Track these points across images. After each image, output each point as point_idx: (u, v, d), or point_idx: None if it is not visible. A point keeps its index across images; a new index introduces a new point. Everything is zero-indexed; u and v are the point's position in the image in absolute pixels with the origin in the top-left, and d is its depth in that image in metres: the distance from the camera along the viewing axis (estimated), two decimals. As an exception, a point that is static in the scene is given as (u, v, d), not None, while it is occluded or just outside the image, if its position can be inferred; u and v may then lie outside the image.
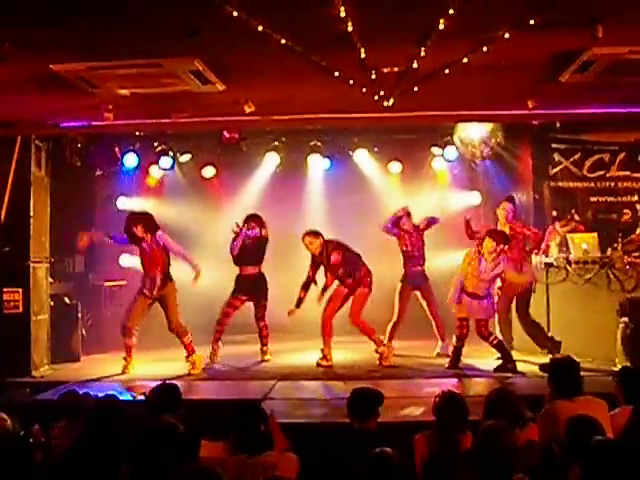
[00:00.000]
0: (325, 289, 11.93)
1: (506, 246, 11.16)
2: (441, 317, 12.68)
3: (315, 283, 11.98)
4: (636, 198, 13.52)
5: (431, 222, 12.78)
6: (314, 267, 12.03)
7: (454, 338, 11.35)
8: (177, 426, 5.12)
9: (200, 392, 10.06)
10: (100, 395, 7.15)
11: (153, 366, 11.84)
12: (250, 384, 10.63)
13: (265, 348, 12.57)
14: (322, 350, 11.76)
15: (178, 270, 11.94)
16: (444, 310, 12.16)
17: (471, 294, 11.17)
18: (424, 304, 12.73)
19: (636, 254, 11.52)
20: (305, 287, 12.00)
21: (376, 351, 11.77)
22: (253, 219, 12.48)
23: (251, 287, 12.45)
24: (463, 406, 6.17)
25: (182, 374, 11.14)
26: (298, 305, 11.96)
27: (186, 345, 11.55)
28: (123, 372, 11.36)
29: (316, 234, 12.00)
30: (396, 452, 4.87)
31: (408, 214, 12.62)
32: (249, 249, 12.43)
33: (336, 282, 11.91)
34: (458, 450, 5.75)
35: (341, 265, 11.82)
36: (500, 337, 11.52)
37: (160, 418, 5.46)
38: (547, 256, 12.25)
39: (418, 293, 12.76)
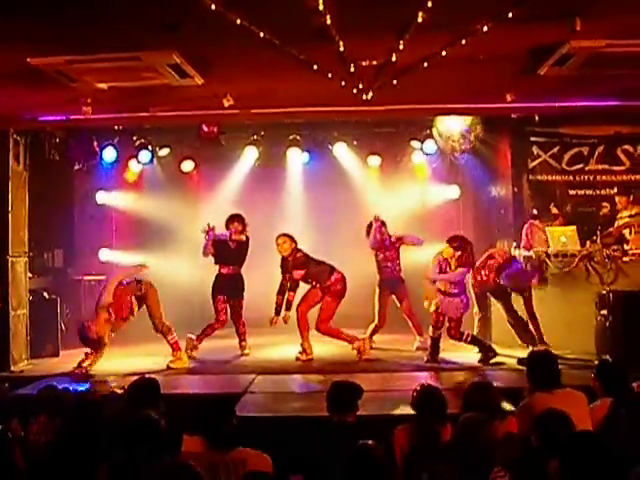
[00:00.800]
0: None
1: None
2: (416, 315, 12.75)
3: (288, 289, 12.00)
4: (615, 191, 13.56)
5: (410, 241, 12.83)
6: (284, 272, 12.05)
7: (430, 328, 11.37)
8: (157, 421, 5.12)
9: (180, 386, 10.03)
10: (79, 390, 7.16)
11: (132, 360, 11.80)
12: (230, 378, 10.61)
13: (244, 343, 12.60)
14: (301, 344, 11.78)
15: (155, 266, 11.91)
16: (420, 306, 12.18)
17: (443, 292, 11.24)
18: (398, 304, 12.78)
19: (615, 247, 11.57)
20: (280, 293, 12.01)
21: (352, 348, 11.79)
22: (237, 219, 12.50)
23: (227, 286, 12.45)
24: (441, 399, 6.18)
25: (162, 369, 11.13)
26: (277, 312, 11.96)
27: (171, 344, 11.51)
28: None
29: (291, 238, 12.06)
30: (378, 445, 4.88)
31: (382, 224, 12.62)
32: (231, 249, 12.45)
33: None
34: (438, 443, 5.76)
35: (303, 279, 11.95)
36: (473, 331, 11.60)
37: (140, 412, 5.45)
38: (528, 251, 12.29)
39: (394, 297, 12.84)
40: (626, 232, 12.28)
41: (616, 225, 12.55)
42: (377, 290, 12.76)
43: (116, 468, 4.83)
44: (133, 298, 11.35)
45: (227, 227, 12.52)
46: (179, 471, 3.95)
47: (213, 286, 12.52)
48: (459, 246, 11.19)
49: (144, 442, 4.90)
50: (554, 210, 13.95)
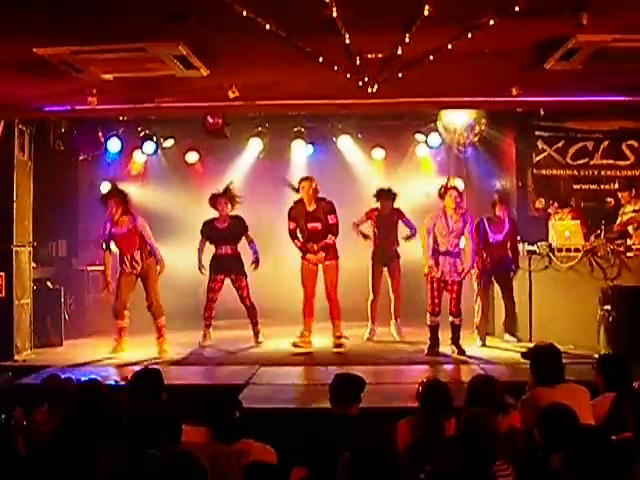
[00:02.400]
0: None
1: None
2: (401, 297, 12.78)
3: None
4: (617, 187, 13.56)
5: (408, 226, 12.88)
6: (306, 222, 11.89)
7: (427, 316, 11.42)
8: (159, 411, 5.13)
9: (182, 377, 10.02)
10: (82, 379, 7.16)
11: (135, 351, 11.81)
12: (233, 369, 10.59)
13: (257, 328, 12.55)
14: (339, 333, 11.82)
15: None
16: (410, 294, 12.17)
17: (445, 252, 11.26)
18: (389, 280, 12.78)
19: (619, 242, 11.56)
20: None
21: (335, 335, 11.83)
22: (222, 197, 12.48)
23: (225, 264, 12.37)
24: (447, 393, 6.19)
25: (165, 359, 11.16)
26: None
27: (158, 327, 11.58)
28: (114, 352, 11.36)
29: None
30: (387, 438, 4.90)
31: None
32: (219, 229, 12.42)
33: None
34: (441, 436, 5.77)
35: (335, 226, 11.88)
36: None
37: (143, 403, 5.47)
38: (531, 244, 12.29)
39: (385, 269, 12.83)
40: (630, 228, 12.27)
41: (619, 220, 12.53)
42: (370, 263, 12.81)
43: (117, 457, 4.84)
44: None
45: (214, 208, 12.50)
46: (180, 460, 3.96)
47: (210, 267, 12.47)
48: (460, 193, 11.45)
49: (146, 431, 4.91)
50: (555, 204, 13.96)
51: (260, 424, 5.81)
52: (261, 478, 4.60)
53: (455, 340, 11.36)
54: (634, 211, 12.43)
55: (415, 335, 12.50)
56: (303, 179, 11.92)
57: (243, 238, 12.42)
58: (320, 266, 11.84)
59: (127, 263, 11.55)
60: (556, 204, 13.30)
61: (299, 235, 11.84)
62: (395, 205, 12.86)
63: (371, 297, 12.70)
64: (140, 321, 11.88)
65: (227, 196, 12.39)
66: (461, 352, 11.24)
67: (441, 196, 11.47)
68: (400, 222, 12.90)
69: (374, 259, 12.82)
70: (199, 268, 12.39)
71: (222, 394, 6.14)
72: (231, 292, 12.43)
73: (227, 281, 12.42)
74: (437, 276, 11.26)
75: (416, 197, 15.70)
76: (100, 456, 4.96)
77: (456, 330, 11.38)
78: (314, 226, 11.76)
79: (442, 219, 11.28)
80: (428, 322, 11.40)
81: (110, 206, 11.53)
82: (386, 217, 12.81)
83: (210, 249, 12.50)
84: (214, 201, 12.43)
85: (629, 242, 11.70)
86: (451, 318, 11.37)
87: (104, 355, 11.39)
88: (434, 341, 11.35)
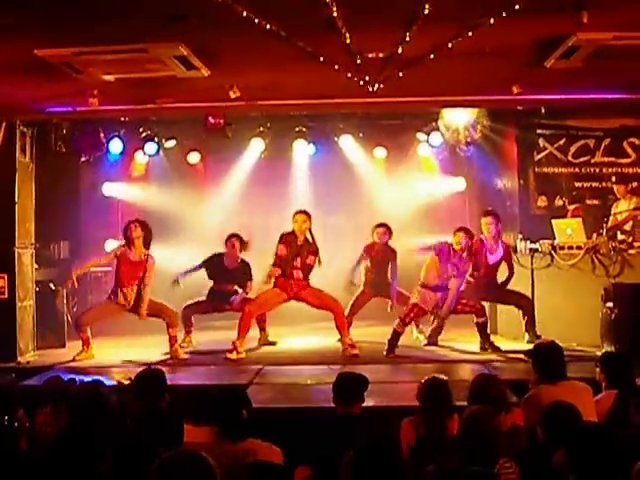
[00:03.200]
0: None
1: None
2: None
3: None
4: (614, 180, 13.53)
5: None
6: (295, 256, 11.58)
7: (397, 321, 11.38)
8: (165, 411, 5.14)
9: (185, 377, 10.04)
10: (85, 381, 7.18)
11: (137, 351, 11.82)
12: (235, 369, 10.61)
13: (262, 327, 12.55)
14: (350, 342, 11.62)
15: (158, 255, 11.90)
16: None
17: (432, 287, 11.29)
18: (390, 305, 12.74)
19: (621, 239, 11.56)
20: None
21: (342, 342, 11.65)
22: (235, 238, 12.43)
23: (223, 298, 12.32)
24: (447, 391, 6.19)
25: (167, 359, 11.17)
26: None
27: (171, 337, 11.49)
28: (74, 359, 11.22)
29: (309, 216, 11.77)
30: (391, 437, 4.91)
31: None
32: (225, 267, 12.42)
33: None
34: (444, 435, 5.78)
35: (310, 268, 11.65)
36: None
37: (146, 404, 5.48)
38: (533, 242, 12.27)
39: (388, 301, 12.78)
40: (626, 226, 12.24)
41: (612, 218, 12.52)
42: (359, 289, 12.75)
43: (121, 457, 4.85)
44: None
45: (225, 244, 12.47)
46: (190, 459, 3.95)
47: (207, 294, 12.52)
48: (469, 234, 11.30)
49: (151, 431, 4.92)
50: (560, 203, 13.97)
51: (263, 424, 5.81)
52: (264, 476, 4.60)
53: (485, 339, 11.39)
54: (630, 209, 12.39)
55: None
56: (297, 213, 11.71)
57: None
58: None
59: (119, 295, 11.46)
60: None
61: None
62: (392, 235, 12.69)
63: (346, 312, 12.14)
64: (145, 322, 11.84)
65: (240, 239, 12.38)
66: (495, 349, 11.27)
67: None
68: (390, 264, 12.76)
69: (365, 285, 12.75)
70: (176, 280, 12.39)
71: (231, 393, 6.13)
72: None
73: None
74: (427, 309, 11.37)
75: (418, 196, 15.77)
76: (104, 457, 4.97)
77: (483, 329, 11.41)
78: (296, 263, 11.53)
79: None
80: (396, 326, 11.33)
81: (131, 229, 11.53)
82: (380, 251, 12.69)
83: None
84: (227, 239, 12.43)
85: (628, 239, 11.67)
86: (475, 318, 11.39)
87: (106, 356, 11.42)
88: (394, 342, 11.31)
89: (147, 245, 11.57)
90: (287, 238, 11.53)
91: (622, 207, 12.51)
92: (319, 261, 11.55)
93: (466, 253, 11.24)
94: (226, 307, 12.35)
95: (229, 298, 12.26)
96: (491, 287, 11.80)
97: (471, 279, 11.67)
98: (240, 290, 12.25)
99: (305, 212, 11.67)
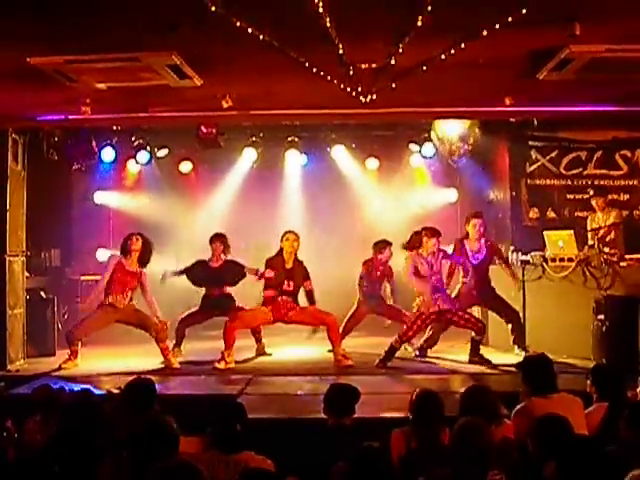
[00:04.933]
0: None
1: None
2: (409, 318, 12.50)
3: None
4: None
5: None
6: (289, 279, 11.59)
7: (396, 337, 11.35)
8: (169, 422, 5.13)
9: (175, 387, 10.02)
10: (75, 389, 7.16)
11: (127, 361, 11.80)
12: (225, 379, 10.59)
13: (259, 338, 12.50)
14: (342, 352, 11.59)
15: (153, 267, 11.88)
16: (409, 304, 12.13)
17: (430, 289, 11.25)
18: (389, 321, 12.74)
19: (612, 251, 11.57)
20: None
21: (335, 353, 11.59)
22: (219, 239, 12.37)
23: (215, 305, 12.28)
24: (439, 403, 6.17)
25: (157, 369, 11.15)
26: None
27: (162, 349, 11.51)
28: (60, 367, 11.23)
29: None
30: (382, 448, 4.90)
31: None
32: (213, 269, 12.35)
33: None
34: (435, 446, 5.76)
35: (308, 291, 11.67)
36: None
37: (136, 413, 5.46)
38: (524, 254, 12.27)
39: (384, 318, 12.78)
40: (609, 238, 12.29)
41: (590, 229, 12.57)
42: (354, 306, 12.69)
43: (121, 467, 4.84)
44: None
45: (210, 245, 12.43)
46: (181, 470, 3.94)
47: (200, 303, 12.47)
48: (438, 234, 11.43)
49: (154, 443, 4.90)
50: (551, 215, 14.00)
51: (253, 434, 5.79)
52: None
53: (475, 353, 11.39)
54: (607, 225, 12.43)
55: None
56: (288, 232, 11.71)
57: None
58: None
59: (110, 302, 11.42)
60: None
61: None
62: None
63: (340, 328, 12.07)
64: (136, 331, 11.81)
65: (224, 239, 12.36)
66: (485, 362, 11.26)
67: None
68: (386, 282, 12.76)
69: (360, 300, 12.69)
70: (164, 275, 12.41)
71: (227, 404, 6.12)
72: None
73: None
74: (433, 311, 11.32)
75: (410, 207, 15.78)
76: (93, 468, 4.96)
77: (475, 345, 11.40)
78: (287, 286, 11.51)
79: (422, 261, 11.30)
80: (394, 342, 11.33)
81: (132, 241, 11.54)
82: (378, 268, 12.63)
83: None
84: (210, 239, 12.41)
85: (611, 250, 11.67)
86: (473, 334, 11.37)
87: (97, 365, 11.39)
88: (390, 355, 11.30)
89: (143, 263, 11.59)
90: (272, 262, 11.59)
91: (600, 221, 12.58)
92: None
93: (442, 254, 11.30)
94: (218, 313, 12.28)
95: (221, 303, 12.20)
96: (484, 291, 11.80)
97: (464, 280, 11.69)
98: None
99: (294, 232, 11.72)
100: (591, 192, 13.54)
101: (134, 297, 11.58)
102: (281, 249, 11.61)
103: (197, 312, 12.42)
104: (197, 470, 4.14)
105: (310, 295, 11.62)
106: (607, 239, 12.22)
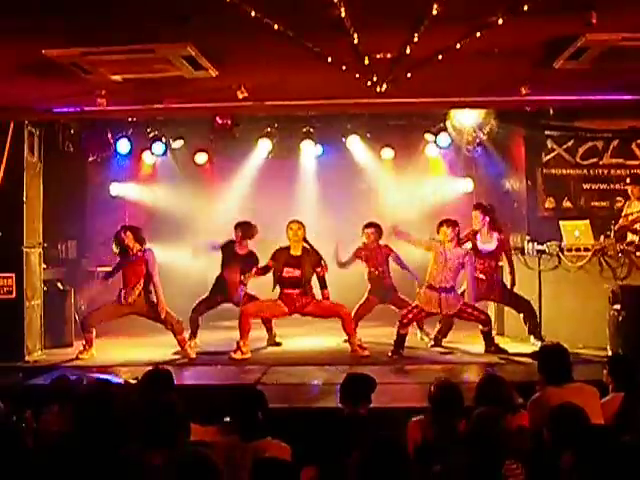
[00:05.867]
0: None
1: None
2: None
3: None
4: (628, 181, 13.50)
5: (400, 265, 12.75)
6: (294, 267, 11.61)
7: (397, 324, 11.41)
8: (176, 406, 5.18)
9: (191, 377, 10.07)
10: (92, 379, 7.18)
11: (143, 351, 11.85)
12: (241, 369, 10.61)
13: (269, 327, 12.53)
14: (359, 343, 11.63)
15: (168, 258, 11.91)
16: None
17: (437, 288, 11.26)
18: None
19: (628, 241, 11.54)
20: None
21: (351, 343, 11.64)
22: (239, 227, 12.41)
23: (229, 289, 12.33)
24: (458, 394, 6.17)
25: (174, 359, 11.20)
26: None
27: (179, 341, 11.59)
28: (77, 357, 11.33)
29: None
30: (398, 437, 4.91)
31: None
32: (237, 254, 12.37)
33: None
34: (451, 436, 5.76)
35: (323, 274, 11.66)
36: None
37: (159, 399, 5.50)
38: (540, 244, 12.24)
39: (392, 306, 12.72)
40: (638, 225, 12.22)
41: (624, 214, 12.50)
42: (365, 295, 12.67)
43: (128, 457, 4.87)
44: None
45: (235, 229, 12.47)
46: (194, 460, 3.95)
47: (213, 285, 12.48)
48: (455, 224, 11.37)
49: (162, 428, 4.93)
50: (567, 204, 13.97)
51: (270, 424, 5.81)
52: (270, 473, 4.60)
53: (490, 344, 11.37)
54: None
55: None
56: (291, 221, 11.72)
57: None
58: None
59: (124, 296, 11.51)
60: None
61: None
62: (395, 221, 12.54)
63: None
64: (152, 322, 11.85)
65: (242, 228, 12.38)
66: (501, 351, 11.25)
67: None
68: (391, 259, 12.69)
69: (370, 291, 12.67)
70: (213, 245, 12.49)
71: (250, 392, 6.13)
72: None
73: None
74: (430, 310, 11.38)
75: (425, 197, 15.75)
76: (111, 457, 4.98)
77: (487, 336, 11.40)
78: (290, 272, 11.52)
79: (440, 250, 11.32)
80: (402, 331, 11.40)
81: (122, 237, 11.61)
82: (374, 252, 12.62)
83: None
84: (236, 227, 12.44)
85: (637, 240, 11.65)
86: (480, 327, 11.38)
87: (113, 355, 11.45)
88: (400, 344, 11.37)
89: (140, 241, 11.61)
90: (278, 252, 11.64)
91: (635, 208, 12.50)
92: (325, 266, 11.57)
93: (454, 243, 11.24)
94: (230, 300, 12.37)
95: (233, 288, 12.25)
96: (495, 285, 11.77)
97: (482, 276, 11.64)
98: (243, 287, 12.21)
99: (299, 221, 11.73)
100: (628, 180, 13.50)
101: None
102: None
103: (208, 296, 12.45)
104: (208, 458, 4.14)
105: (322, 281, 11.60)
106: (634, 227, 12.17)
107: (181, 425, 5.15)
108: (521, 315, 11.71)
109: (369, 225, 12.58)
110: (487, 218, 11.66)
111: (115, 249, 11.66)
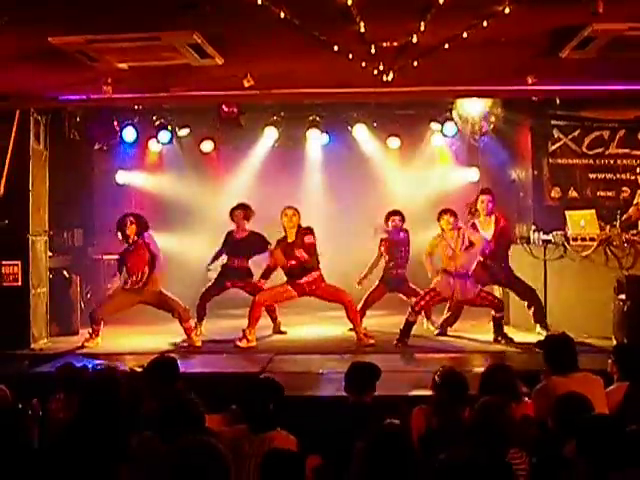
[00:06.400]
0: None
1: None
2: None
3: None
4: (638, 171, 13.46)
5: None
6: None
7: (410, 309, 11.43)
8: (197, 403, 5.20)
9: (197, 365, 10.06)
10: (98, 367, 7.20)
11: (149, 339, 11.88)
12: (247, 358, 10.62)
13: (276, 319, 12.59)
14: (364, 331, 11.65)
15: (174, 246, 11.91)
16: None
17: (453, 274, 11.27)
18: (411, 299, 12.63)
19: (634, 231, 11.52)
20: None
21: (357, 332, 11.61)
22: (239, 208, 12.47)
23: (234, 275, 12.38)
24: (463, 382, 6.18)
25: (179, 347, 11.24)
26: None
27: (185, 329, 11.57)
28: (82, 345, 11.34)
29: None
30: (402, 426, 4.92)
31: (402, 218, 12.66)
32: (236, 240, 12.42)
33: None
34: (456, 424, 5.77)
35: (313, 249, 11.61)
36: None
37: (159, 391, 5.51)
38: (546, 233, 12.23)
39: (401, 295, 12.73)
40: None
41: (633, 208, 12.48)
42: (376, 282, 12.69)
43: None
44: None
45: (231, 219, 12.53)
46: (202, 449, 3.94)
47: (219, 273, 12.50)
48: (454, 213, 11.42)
49: (181, 422, 4.95)
50: (573, 194, 13.94)
51: (280, 415, 5.82)
52: (279, 465, 4.61)
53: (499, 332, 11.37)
54: None
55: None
56: (286, 207, 11.74)
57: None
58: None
59: (130, 282, 11.55)
60: None
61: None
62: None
63: (359, 307, 12.14)
64: (158, 310, 11.86)
65: (241, 207, 12.41)
66: (510, 341, 11.24)
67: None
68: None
69: (381, 279, 12.68)
70: (207, 267, 12.50)
71: (264, 382, 6.14)
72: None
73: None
74: (445, 295, 11.40)
75: (431, 186, 15.73)
76: (115, 445, 5.00)
77: (498, 322, 11.39)
78: (292, 262, 11.51)
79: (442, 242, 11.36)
80: (409, 317, 11.40)
81: (126, 225, 11.62)
82: (394, 240, 12.62)
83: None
84: (230, 213, 12.48)
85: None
86: (493, 312, 11.39)
87: (119, 344, 11.48)
88: (406, 333, 11.37)
89: (141, 228, 11.65)
90: (280, 242, 11.68)
91: None
92: (314, 238, 11.53)
93: (456, 232, 11.28)
94: (238, 284, 12.40)
95: (238, 274, 12.33)
96: (497, 270, 11.78)
97: (481, 258, 11.59)
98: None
99: (293, 207, 11.74)
100: (638, 170, 13.47)
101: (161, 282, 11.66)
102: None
103: (214, 284, 12.46)
104: (216, 446, 4.13)
105: (310, 248, 11.49)
106: None
107: (197, 419, 5.16)
108: (525, 303, 11.71)
109: (395, 213, 12.61)
110: (492, 205, 11.69)
111: (120, 236, 11.66)
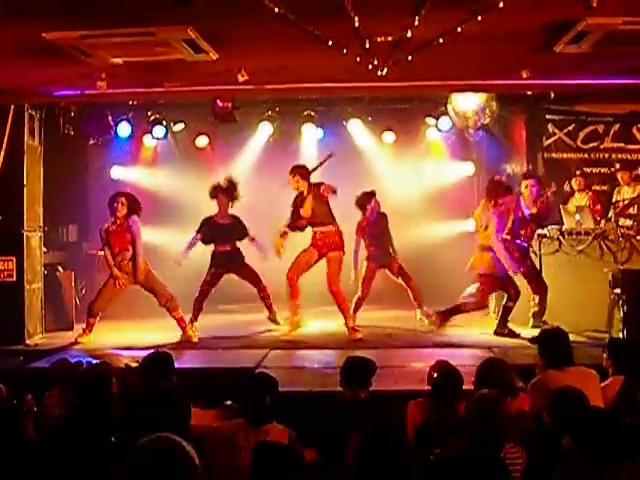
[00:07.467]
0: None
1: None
2: (417, 287, 12.73)
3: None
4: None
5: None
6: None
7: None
8: (173, 391, 5.17)
9: (192, 360, 10.07)
10: (92, 363, 7.20)
11: (144, 334, 11.87)
12: (243, 353, 10.63)
13: (271, 307, 12.55)
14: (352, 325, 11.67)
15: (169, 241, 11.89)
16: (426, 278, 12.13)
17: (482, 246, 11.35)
18: (399, 280, 12.71)
19: (629, 225, 11.54)
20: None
21: (346, 325, 11.64)
22: (223, 192, 12.42)
23: (226, 261, 12.30)
24: (458, 376, 6.20)
25: (175, 342, 11.21)
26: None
27: (178, 320, 11.56)
28: (76, 341, 11.31)
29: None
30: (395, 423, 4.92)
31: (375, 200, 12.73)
32: (220, 226, 12.37)
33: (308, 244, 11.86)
34: (451, 418, 5.79)
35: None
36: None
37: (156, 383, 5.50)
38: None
39: (388, 272, 12.76)
40: (632, 210, 12.23)
41: (614, 200, 12.53)
42: (365, 263, 12.68)
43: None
44: None
45: (215, 199, 12.47)
46: (165, 446, 3.81)
47: (210, 261, 12.40)
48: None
49: (156, 413, 4.93)
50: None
51: (270, 407, 5.83)
52: (271, 458, 4.61)
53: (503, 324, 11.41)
54: (632, 198, 12.38)
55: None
56: (288, 173, 12.01)
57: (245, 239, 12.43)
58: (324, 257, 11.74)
59: (116, 269, 11.54)
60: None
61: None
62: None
63: (358, 294, 12.40)
64: (154, 305, 11.84)
65: (227, 192, 12.36)
66: (513, 335, 11.27)
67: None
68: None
69: (369, 259, 12.69)
70: (178, 261, 12.35)
71: (260, 377, 6.15)
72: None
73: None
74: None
75: (426, 181, 15.74)
76: (108, 441, 4.99)
77: (506, 313, 11.43)
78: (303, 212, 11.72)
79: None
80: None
81: (118, 205, 11.60)
82: (373, 224, 12.71)
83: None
84: (215, 194, 12.40)
85: (634, 224, 11.63)
86: (507, 302, 11.45)
87: (114, 339, 11.47)
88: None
89: (132, 209, 11.68)
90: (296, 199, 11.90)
91: (625, 194, 12.51)
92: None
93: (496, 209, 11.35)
94: (228, 270, 12.37)
95: (232, 258, 12.31)
96: (527, 257, 11.76)
97: (507, 237, 11.52)
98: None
99: (292, 172, 12.03)
100: (617, 166, 13.51)
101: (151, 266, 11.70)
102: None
103: (207, 274, 12.34)
104: (181, 445, 4.00)
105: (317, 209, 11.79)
106: (628, 212, 12.15)
107: (181, 410, 5.14)
108: (536, 297, 11.69)
109: (372, 194, 12.76)
110: (536, 189, 11.73)
111: (109, 213, 11.62)
